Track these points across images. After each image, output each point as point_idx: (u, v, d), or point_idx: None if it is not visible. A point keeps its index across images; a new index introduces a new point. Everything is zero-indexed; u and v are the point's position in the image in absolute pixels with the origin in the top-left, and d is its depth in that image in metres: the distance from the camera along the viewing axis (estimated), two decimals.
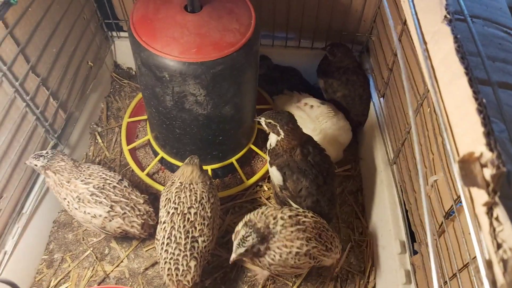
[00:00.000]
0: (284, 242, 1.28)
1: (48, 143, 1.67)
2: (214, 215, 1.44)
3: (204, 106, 1.44)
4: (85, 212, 1.44)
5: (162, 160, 1.79)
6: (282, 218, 1.31)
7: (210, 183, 1.47)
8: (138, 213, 1.49)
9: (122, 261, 1.64)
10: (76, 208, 1.44)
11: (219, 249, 1.66)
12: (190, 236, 1.35)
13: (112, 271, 1.62)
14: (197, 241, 1.37)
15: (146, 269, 1.62)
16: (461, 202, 0.95)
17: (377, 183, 1.71)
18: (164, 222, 1.39)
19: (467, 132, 0.54)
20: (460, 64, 0.57)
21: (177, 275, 1.33)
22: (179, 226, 1.36)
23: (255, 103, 1.72)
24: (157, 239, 1.40)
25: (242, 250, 1.25)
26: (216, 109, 1.48)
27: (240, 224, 1.30)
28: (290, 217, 1.32)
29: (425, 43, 0.66)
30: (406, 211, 1.52)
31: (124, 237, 1.68)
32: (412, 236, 1.48)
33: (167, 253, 1.34)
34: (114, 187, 1.48)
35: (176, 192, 1.41)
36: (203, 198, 1.41)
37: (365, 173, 1.86)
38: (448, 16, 0.62)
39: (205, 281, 1.58)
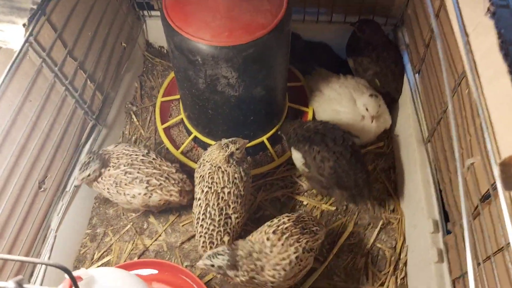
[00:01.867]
0: (280, 256, 1.29)
1: (87, 124, 1.73)
2: (246, 193, 1.49)
3: (235, 88, 1.46)
4: (124, 194, 1.51)
5: (195, 139, 1.83)
6: (268, 239, 1.32)
7: (246, 161, 1.51)
8: (173, 182, 1.56)
9: (160, 235, 1.72)
10: (117, 193, 1.51)
11: (251, 225, 1.71)
12: (224, 213, 1.42)
13: (151, 244, 1.70)
14: (230, 218, 1.43)
15: (183, 243, 1.69)
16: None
17: (411, 161, 1.69)
18: (199, 199, 1.45)
19: (509, 132, 0.54)
20: (503, 62, 0.55)
21: (211, 247, 1.41)
22: (214, 204, 1.42)
23: (286, 83, 1.72)
24: (193, 213, 1.48)
25: (207, 262, 1.25)
26: (248, 91, 1.49)
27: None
28: (274, 232, 1.33)
29: (467, 35, 0.64)
30: (440, 191, 1.51)
31: (161, 213, 1.75)
32: (445, 215, 1.47)
33: (202, 227, 1.42)
34: (142, 160, 1.54)
35: (209, 173, 1.45)
36: (235, 178, 1.44)
37: (398, 150, 1.84)
38: (491, 8, 0.60)
39: None
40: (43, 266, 1.48)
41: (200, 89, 1.49)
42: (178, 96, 1.91)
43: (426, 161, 1.60)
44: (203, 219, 1.42)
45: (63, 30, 1.52)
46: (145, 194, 1.52)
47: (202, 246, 1.43)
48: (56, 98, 1.53)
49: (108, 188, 1.52)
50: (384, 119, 1.80)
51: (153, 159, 1.56)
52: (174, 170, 1.58)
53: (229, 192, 1.43)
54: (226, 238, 1.42)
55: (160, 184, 1.53)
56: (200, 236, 1.43)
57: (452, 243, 1.37)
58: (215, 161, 1.45)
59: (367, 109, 1.71)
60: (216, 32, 1.28)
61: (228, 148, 1.45)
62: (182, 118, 1.87)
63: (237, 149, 1.44)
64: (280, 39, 1.36)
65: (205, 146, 1.84)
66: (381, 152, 1.89)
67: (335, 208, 1.74)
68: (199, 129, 1.78)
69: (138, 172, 1.51)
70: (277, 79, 1.55)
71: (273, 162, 1.80)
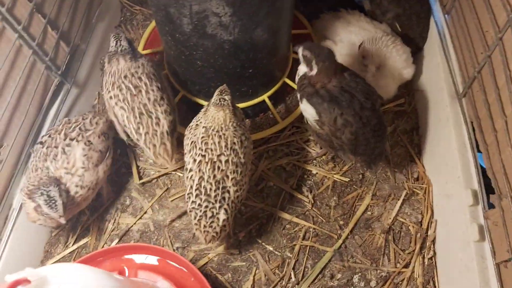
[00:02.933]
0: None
1: (52, 82, 1.44)
2: (247, 161, 1.22)
3: (230, 30, 1.16)
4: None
5: (183, 99, 1.55)
6: None
7: (242, 123, 1.24)
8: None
9: (145, 213, 1.47)
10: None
11: (253, 198, 1.46)
12: (221, 187, 1.17)
13: (134, 223, 1.45)
14: (228, 192, 1.18)
15: (173, 221, 1.45)
16: None
17: (441, 120, 1.42)
18: (190, 170, 1.19)
19: None
20: None
21: (205, 226, 1.19)
22: (209, 177, 1.16)
23: (291, 27, 1.42)
24: (185, 186, 1.21)
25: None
26: (245, 33, 1.20)
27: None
28: None
29: None
30: (479, 155, 1.25)
31: (146, 186, 1.50)
32: (486, 185, 1.22)
33: (195, 204, 1.18)
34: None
35: (202, 138, 1.18)
36: (234, 143, 1.18)
37: (422, 108, 1.57)
38: None
39: (239, 234, 1.40)
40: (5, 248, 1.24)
41: (186, 33, 1.19)
42: (161, 48, 1.61)
43: (461, 119, 1.33)
44: (196, 195, 1.18)
45: None
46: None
47: (196, 224, 1.20)
48: (7, 48, 1.24)
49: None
50: (404, 69, 1.51)
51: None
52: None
53: (226, 161, 1.17)
54: (222, 216, 1.18)
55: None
56: (191, 211, 1.20)
57: (497, 220, 1.12)
58: (219, 124, 1.18)
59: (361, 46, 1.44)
60: None
61: (226, 101, 1.19)
62: (165, 74, 1.57)
63: (232, 98, 1.21)
64: None
65: (195, 108, 1.56)
66: (402, 110, 1.62)
67: (349, 179, 1.49)
68: (188, 86, 1.49)
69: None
70: (281, 19, 1.26)
71: (276, 125, 1.53)
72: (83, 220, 1.46)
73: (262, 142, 1.56)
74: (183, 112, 1.60)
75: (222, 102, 1.19)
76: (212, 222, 1.18)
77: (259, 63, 1.34)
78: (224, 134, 1.18)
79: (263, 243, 1.39)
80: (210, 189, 1.17)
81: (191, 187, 1.19)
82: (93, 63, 1.65)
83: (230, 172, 1.17)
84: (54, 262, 1.39)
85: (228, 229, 1.23)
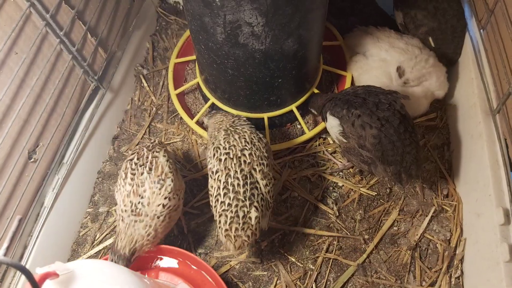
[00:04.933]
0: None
1: (88, 86, 1.49)
2: (270, 157, 1.22)
3: (262, 40, 1.18)
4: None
5: (213, 106, 1.57)
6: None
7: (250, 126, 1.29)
8: None
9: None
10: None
11: (277, 208, 1.46)
12: (249, 182, 1.14)
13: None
14: (257, 187, 1.15)
15: (197, 226, 1.46)
16: None
17: (473, 136, 1.39)
18: (217, 172, 1.17)
19: None
20: None
21: (237, 229, 1.13)
22: (236, 172, 1.14)
23: (322, 38, 1.42)
24: (210, 194, 1.19)
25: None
26: (277, 43, 1.21)
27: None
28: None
29: None
30: None
31: None
32: None
33: (224, 205, 1.14)
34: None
35: (224, 138, 1.20)
36: (253, 138, 1.20)
37: (454, 123, 1.54)
38: None
39: (261, 243, 1.40)
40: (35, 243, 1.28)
41: (219, 42, 1.22)
42: (194, 57, 1.65)
43: (494, 135, 1.30)
44: (225, 194, 1.14)
45: None
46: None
47: (226, 230, 1.13)
48: (49, 52, 1.29)
49: None
50: (438, 90, 1.50)
51: None
52: None
53: (250, 154, 1.17)
54: (253, 214, 1.13)
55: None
56: (220, 216, 1.14)
57: None
58: (229, 122, 1.26)
59: (400, 71, 1.43)
60: None
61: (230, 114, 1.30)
62: (198, 83, 1.61)
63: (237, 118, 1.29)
64: None
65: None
66: (433, 125, 1.59)
67: (375, 193, 1.47)
68: (218, 94, 1.52)
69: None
70: (313, 30, 1.27)
71: (303, 136, 1.53)
72: (110, 222, 1.49)
73: (288, 152, 1.56)
74: None
75: (220, 112, 1.31)
76: (245, 223, 1.13)
77: (288, 73, 1.35)
78: (242, 130, 1.22)
79: (285, 254, 1.39)
80: (238, 185, 1.13)
81: (218, 187, 1.15)
82: (127, 69, 1.71)
83: (257, 165, 1.16)
84: None
85: (258, 233, 1.16)
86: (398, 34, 1.56)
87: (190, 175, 1.53)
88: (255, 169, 1.16)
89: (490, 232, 1.21)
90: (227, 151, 1.17)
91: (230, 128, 1.24)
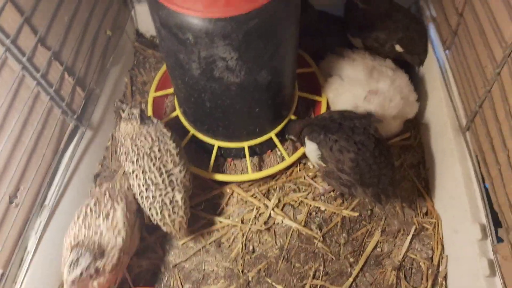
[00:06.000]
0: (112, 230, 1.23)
1: (67, 126, 1.50)
2: (179, 145, 1.37)
3: (236, 73, 1.21)
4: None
5: (192, 138, 1.59)
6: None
7: (159, 124, 1.39)
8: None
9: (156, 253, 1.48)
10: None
11: (261, 237, 1.47)
12: (164, 171, 1.29)
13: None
14: (173, 174, 1.31)
15: (183, 261, 1.45)
16: None
17: (446, 153, 1.43)
18: (133, 172, 1.31)
19: None
20: None
21: (169, 215, 1.29)
22: (149, 167, 1.29)
23: (296, 67, 1.47)
24: (135, 193, 1.33)
25: (76, 273, 1.14)
26: (251, 76, 1.24)
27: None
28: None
29: None
30: (486, 188, 1.26)
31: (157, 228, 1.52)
32: (494, 219, 1.21)
33: (150, 198, 1.29)
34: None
35: (131, 143, 1.33)
36: (158, 137, 1.33)
37: (428, 142, 1.59)
38: None
39: (248, 274, 1.40)
40: None
41: (194, 77, 1.25)
42: (172, 90, 1.67)
43: (466, 152, 1.34)
44: (147, 189, 1.28)
45: (32, 13, 1.29)
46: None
47: (161, 219, 1.30)
48: (26, 95, 1.30)
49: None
50: (408, 110, 1.55)
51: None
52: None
53: (159, 149, 1.31)
54: (178, 196, 1.29)
55: None
56: (150, 209, 1.29)
57: (507, 254, 1.11)
58: (131, 133, 1.34)
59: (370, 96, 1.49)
60: (210, 1, 1.04)
61: (134, 115, 1.36)
62: (177, 115, 1.63)
63: (141, 110, 1.38)
64: (289, 8, 1.12)
65: (205, 147, 1.60)
66: (408, 144, 1.64)
67: (358, 213, 1.49)
68: (197, 126, 1.54)
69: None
70: (285, 60, 1.31)
71: (283, 162, 1.55)
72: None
73: (270, 179, 1.58)
74: (192, 151, 1.65)
75: (130, 117, 1.36)
76: (174, 207, 1.29)
77: (265, 103, 1.39)
78: (147, 132, 1.34)
79: (273, 283, 1.38)
80: (155, 177, 1.28)
81: (139, 185, 1.29)
82: (106, 106, 1.72)
83: (167, 156, 1.31)
84: None
85: (188, 212, 1.33)
86: (372, 55, 1.62)
87: None
88: (166, 161, 1.30)
89: (469, 248, 1.24)
90: (136, 152, 1.31)
91: (135, 134, 1.34)
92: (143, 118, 1.37)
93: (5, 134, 1.22)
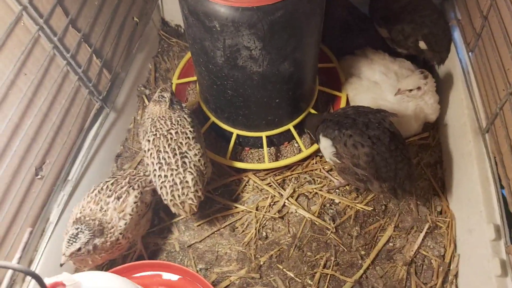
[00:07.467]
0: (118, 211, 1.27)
1: (93, 106, 1.55)
2: (197, 132, 1.41)
3: (259, 63, 1.24)
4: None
5: (212, 126, 1.63)
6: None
7: (184, 110, 1.44)
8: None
9: (172, 233, 1.52)
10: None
11: (275, 224, 1.49)
12: (178, 152, 1.32)
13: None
14: (186, 156, 1.33)
15: (198, 242, 1.49)
16: None
17: (464, 154, 1.43)
18: (149, 150, 1.35)
19: None
20: None
21: (179, 196, 1.31)
22: (164, 147, 1.32)
23: (317, 61, 1.49)
24: (149, 171, 1.36)
25: (72, 249, 1.18)
26: (273, 66, 1.27)
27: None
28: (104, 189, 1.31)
29: None
30: (502, 189, 1.26)
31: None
32: (509, 220, 1.22)
33: (161, 177, 1.31)
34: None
35: (151, 124, 1.37)
36: (178, 120, 1.37)
37: (446, 142, 1.59)
38: None
39: (260, 259, 1.43)
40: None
41: (218, 64, 1.28)
42: (195, 78, 1.71)
43: (484, 154, 1.34)
44: (159, 168, 1.31)
45: None
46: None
47: (171, 200, 1.32)
48: (56, 73, 1.35)
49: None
50: (430, 114, 1.55)
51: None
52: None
53: (176, 132, 1.34)
54: (189, 177, 1.31)
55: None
56: (161, 188, 1.32)
57: None
58: (157, 114, 1.38)
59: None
60: None
61: (164, 98, 1.39)
62: (198, 102, 1.66)
63: (172, 94, 1.42)
64: (314, 0, 1.14)
65: (223, 134, 1.64)
66: (426, 144, 1.64)
67: (372, 208, 1.51)
68: (217, 113, 1.57)
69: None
70: (308, 54, 1.33)
71: (300, 154, 1.58)
72: None
73: (286, 170, 1.61)
74: (212, 138, 1.69)
75: (161, 99, 1.39)
76: (183, 188, 1.30)
77: (285, 94, 1.41)
78: (170, 117, 1.37)
79: (284, 269, 1.42)
80: (169, 157, 1.30)
81: (153, 163, 1.32)
82: (130, 90, 1.77)
83: (183, 139, 1.33)
84: None
85: (201, 194, 1.34)
86: (392, 57, 1.63)
87: None
88: (181, 143, 1.33)
89: (482, 248, 1.24)
90: (154, 132, 1.35)
91: (159, 116, 1.38)
92: (173, 101, 1.41)
93: (34, 108, 1.28)
